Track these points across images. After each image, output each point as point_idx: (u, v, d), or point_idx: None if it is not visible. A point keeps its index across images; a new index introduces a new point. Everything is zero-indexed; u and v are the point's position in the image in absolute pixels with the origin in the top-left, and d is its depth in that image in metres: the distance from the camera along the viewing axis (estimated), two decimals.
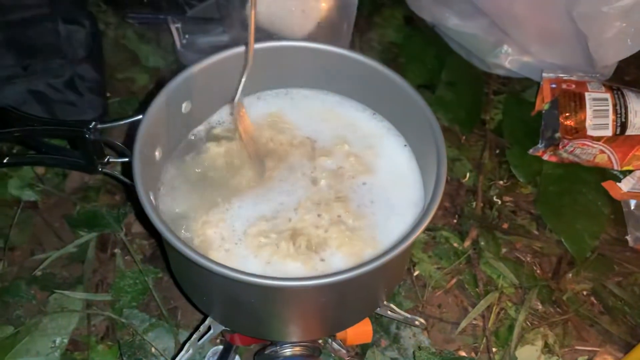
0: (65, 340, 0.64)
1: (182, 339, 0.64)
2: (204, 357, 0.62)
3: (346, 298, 0.47)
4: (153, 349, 0.63)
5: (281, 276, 0.45)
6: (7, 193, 0.75)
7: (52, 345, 0.63)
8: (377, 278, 0.48)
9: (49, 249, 0.71)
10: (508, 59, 0.87)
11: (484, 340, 0.66)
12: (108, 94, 0.85)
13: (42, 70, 0.77)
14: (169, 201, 0.52)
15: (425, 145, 0.52)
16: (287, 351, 0.57)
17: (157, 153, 0.52)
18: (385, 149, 0.55)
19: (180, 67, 0.53)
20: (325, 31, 0.80)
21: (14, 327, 0.64)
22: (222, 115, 0.58)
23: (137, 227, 0.73)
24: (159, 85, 0.52)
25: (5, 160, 0.51)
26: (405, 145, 0.55)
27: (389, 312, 0.58)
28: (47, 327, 0.64)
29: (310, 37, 0.77)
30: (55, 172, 0.78)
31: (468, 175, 0.81)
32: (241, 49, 0.54)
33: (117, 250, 0.71)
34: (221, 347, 0.62)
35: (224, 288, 0.45)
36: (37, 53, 0.78)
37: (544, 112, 0.83)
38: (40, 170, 0.77)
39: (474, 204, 0.78)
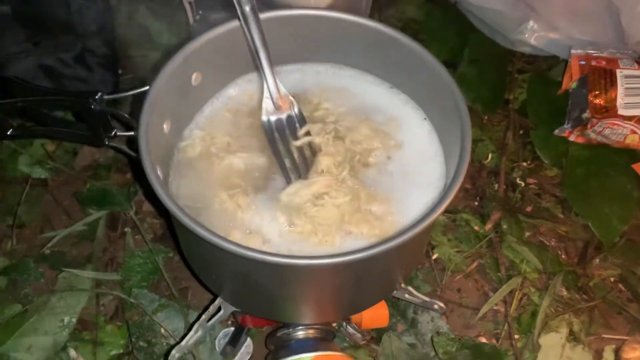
0: (74, 320, 0.62)
1: (192, 319, 0.62)
2: (215, 338, 0.61)
3: (363, 279, 0.45)
4: (162, 330, 0.61)
5: (296, 254, 0.43)
6: (16, 170, 0.74)
7: (61, 324, 0.62)
8: (396, 258, 0.45)
9: (58, 227, 0.70)
10: (534, 36, 0.83)
11: (506, 327, 0.63)
12: (120, 71, 0.83)
13: (53, 45, 0.75)
14: (180, 178, 0.49)
15: (447, 120, 0.49)
16: (300, 334, 0.55)
17: (165, 126, 0.49)
18: (405, 123, 0.52)
19: None
20: (343, 6, 0.77)
21: (22, 305, 0.63)
22: (235, 89, 0.56)
23: (147, 206, 0.72)
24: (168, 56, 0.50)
25: (9, 132, 0.49)
26: (424, 119, 0.52)
27: (406, 296, 0.56)
28: (56, 306, 0.63)
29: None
30: (65, 149, 0.76)
31: (490, 156, 0.77)
32: None
33: (127, 229, 0.69)
34: (232, 329, 0.60)
35: (235, 267, 0.43)
36: (48, 28, 0.76)
37: (571, 90, 0.79)
38: (50, 147, 0.76)
39: (496, 186, 0.75)
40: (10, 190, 0.73)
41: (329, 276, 0.42)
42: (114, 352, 0.61)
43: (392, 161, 0.51)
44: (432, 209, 0.40)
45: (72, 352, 0.61)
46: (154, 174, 0.42)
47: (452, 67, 0.86)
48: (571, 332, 0.63)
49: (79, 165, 0.75)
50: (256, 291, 0.46)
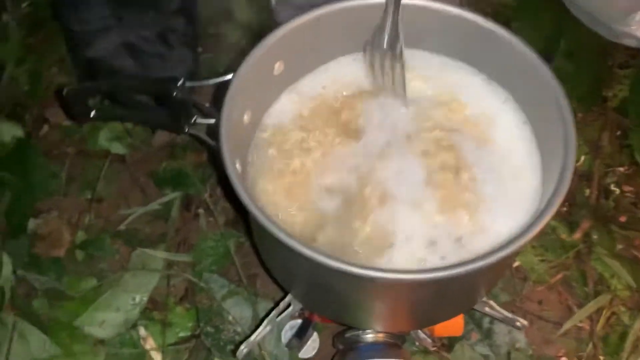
0: (145, 298, 0.63)
1: (260, 308, 0.61)
2: (281, 330, 0.60)
3: (445, 293, 0.42)
4: (230, 317, 0.61)
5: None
6: (97, 144, 0.75)
7: (133, 302, 0.63)
8: (484, 274, 0.42)
9: (133, 204, 0.71)
10: None
11: (590, 346, 0.59)
12: (200, 49, 0.83)
13: (136, 21, 0.75)
14: (257, 172, 0.48)
15: (547, 125, 0.44)
16: (370, 337, 0.53)
17: (245, 117, 0.48)
18: (502, 122, 0.48)
19: (274, 24, 0.48)
20: None
21: (97, 280, 0.65)
22: (317, 78, 0.53)
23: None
24: (251, 43, 0.48)
25: (92, 114, 0.49)
26: (525, 123, 0.48)
27: (486, 309, 0.53)
28: (129, 283, 0.64)
29: None
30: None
31: (583, 158, 0.72)
32: (341, 5, 0.49)
33: (200, 211, 0.69)
34: (299, 321, 0.59)
35: (311, 272, 0.41)
36: (131, 4, 0.76)
37: None
38: (129, 124, 0.77)
39: (588, 191, 0.69)
40: (91, 163, 0.74)
41: (410, 290, 0.40)
42: (182, 334, 0.62)
43: (483, 157, 0.47)
44: (533, 223, 0.37)
45: (142, 331, 0.62)
46: (233, 167, 0.41)
47: (546, 59, 0.80)
48: None
49: (157, 143, 0.75)
50: (329, 297, 0.44)
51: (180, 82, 0.47)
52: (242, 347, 0.51)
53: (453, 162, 0.46)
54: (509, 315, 0.53)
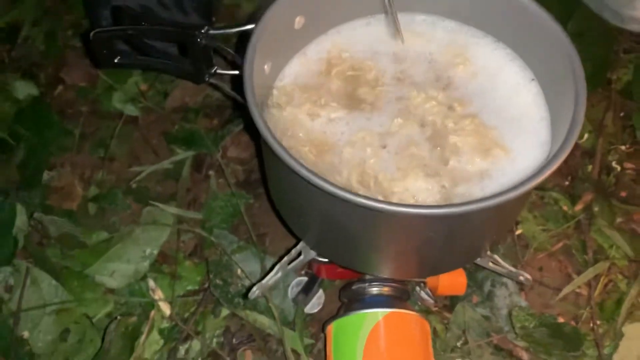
0: (155, 252, 0.64)
1: (268, 264, 0.63)
2: (288, 285, 0.61)
3: (454, 236, 0.43)
4: (239, 271, 0.62)
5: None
6: (111, 105, 0.77)
7: (143, 255, 0.64)
8: (494, 217, 0.44)
9: (145, 164, 0.72)
10: None
11: (587, 311, 0.60)
12: (213, 19, 0.84)
13: None
14: (274, 116, 0.49)
15: (557, 83, 0.46)
16: (375, 289, 0.55)
17: (266, 67, 0.49)
18: (509, 80, 0.50)
19: None
20: None
21: (109, 232, 0.66)
22: (337, 37, 0.55)
23: (232, 152, 0.73)
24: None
25: (116, 60, 0.51)
26: (532, 80, 0.50)
27: (490, 264, 0.54)
28: (139, 237, 0.65)
29: None
30: (157, 90, 0.78)
31: (586, 136, 0.74)
32: None
33: (211, 172, 0.71)
34: (306, 278, 0.61)
35: (327, 209, 0.42)
36: None
37: None
38: (143, 86, 0.78)
39: (590, 167, 0.71)
40: (104, 123, 0.75)
41: (422, 228, 0.41)
42: (190, 288, 0.63)
43: (493, 114, 0.49)
44: (544, 167, 0.39)
45: (151, 283, 0.63)
46: (256, 108, 0.42)
47: None
48: None
49: (169, 106, 0.77)
50: (342, 237, 0.46)
51: (205, 29, 0.48)
52: (254, 289, 0.53)
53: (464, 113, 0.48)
54: (513, 269, 0.55)
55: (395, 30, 0.52)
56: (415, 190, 0.44)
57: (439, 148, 0.46)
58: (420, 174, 0.45)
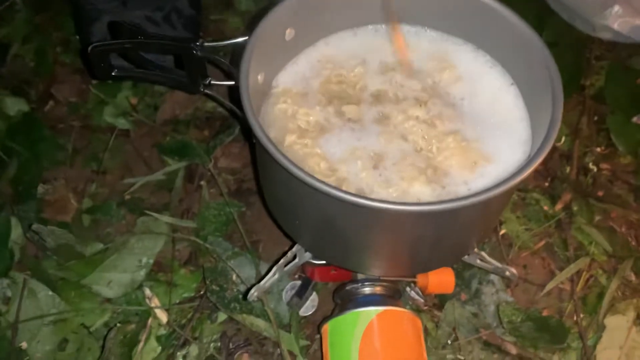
0: (151, 261, 0.65)
1: (262, 270, 0.64)
2: (282, 290, 0.63)
3: (443, 233, 0.46)
4: (234, 276, 0.64)
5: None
6: (102, 120, 0.78)
7: (138, 264, 0.65)
8: (480, 214, 0.46)
9: (138, 176, 0.73)
10: (618, 21, 0.82)
11: (571, 304, 0.63)
12: (200, 34, 0.86)
13: (142, 2, 0.78)
14: (268, 126, 0.51)
15: (535, 86, 0.49)
16: (367, 289, 0.57)
17: (259, 77, 0.51)
18: (489, 85, 0.53)
19: None
20: None
21: (104, 243, 0.67)
22: (325, 48, 0.57)
23: (223, 162, 0.74)
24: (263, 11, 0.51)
25: (113, 73, 0.52)
26: (512, 84, 0.53)
27: (478, 261, 0.57)
28: (135, 247, 0.66)
29: None
30: (147, 103, 0.80)
31: (563, 139, 0.77)
32: None
33: (203, 182, 0.72)
34: (299, 282, 0.63)
35: (321, 209, 0.45)
36: None
37: None
38: (133, 100, 0.80)
39: (568, 168, 0.74)
40: (96, 138, 0.77)
41: (412, 225, 0.44)
42: (186, 295, 0.64)
43: (476, 117, 0.52)
44: (527, 163, 0.41)
45: (148, 291, 0.64)
46: (253, 114, 0.44)
47: None
48: (638, 317, 0.62)
49: (160, 119, 0.78)
50: (335, 237, 0.48)
51: (200, 42, 0.50)
52: (252, 290, 0.54)
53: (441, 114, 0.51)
54: (500, 265, 0.57)
55: (399, 51, 0.54)
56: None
57: (429, 170, 0.48)
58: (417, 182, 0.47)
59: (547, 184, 0.73)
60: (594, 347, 0.60)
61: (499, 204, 0.49)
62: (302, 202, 0.46)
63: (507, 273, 0.57)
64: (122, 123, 0.78)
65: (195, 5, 0.82)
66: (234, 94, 0.47)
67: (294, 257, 0.55)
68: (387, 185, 0.47)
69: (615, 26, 0.82)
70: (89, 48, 0.50)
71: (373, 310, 0.54)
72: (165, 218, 0.68)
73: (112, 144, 0.76)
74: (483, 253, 0.56)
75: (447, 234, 0.47)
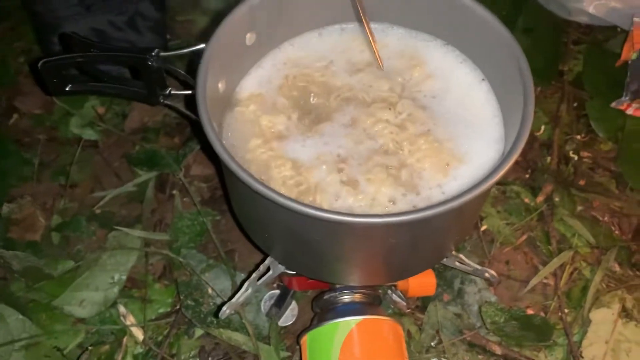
0: (124, 277, 0.64)
1: (238, 281, 0.63)
2: (261, 300, 0.61)
3: (417, 241, 0.44)
4: (210, 290, 0.62)
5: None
6: (68, 131, 0.76)
7: (111, 281, 0.63)
8: (454, 219, 0.45)
9: (108, 188, 0.71)
10: (593, 4, 0.80)
11: (555, 300, 0.62)
12: (168, 36, 0.83)
13: (105, 7, 0.75)
14: (231, 137, 0.49)
15: (507, 82, 0.47)
16: (347, 297, 0.55)
17: (220, 85, 0.49)
18: (461, 82, 0.51)
19: None
20: None
21: (75, 261, 0.65)
22: (290, 50, 0.55)
23: (195, 170, 0.72)
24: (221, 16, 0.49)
25: (67, 88, 0.50)
26: (483, 80, 0.51)
27: (457, 264, 0.55)
28: (107, 263, 0.64)
29: None
30: (115, 112, 0.77)
31: (543, 128, 0.75)
32: None
33: (175, 192, 0.70)
34: (278, 291, 0.61)
35: (288, 224, 0.43)
36: None
37: (630, 62, 0.76)
38: (100, 109, 0.77)
39: (549, 159, 0.73)
40: (63, 150, 0.74)
41: (384, 236, 0.42)
42: (161, 310, 0.62)
43: (448, 116, 0.50)
44: (499, 165, 0.39)
45: (122, 309, 0.62)
46: (211, 127, 0.42)
47: None
48: (624, 309, 0.61)
49: (129, 128, 0.76)
50: (307, 250, 0.46)
51: (155, 52, 0.48)
52: (224, 308, 0.52)
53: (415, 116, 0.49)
54: (479, 267, 0.56)
55: (375, 57, 0.52)
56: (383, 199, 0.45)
57: (403, 170, 0.47)
58: (386, 185, 0.45)
59: (527, 176, 0.71)
60: (580, 342, 0.59)
61: (474, 206, 0.47)
62: (268, 215, 0.44)
63: (487, 275, 0.56)
64: (89, 134, 0.75)
65: (160, 7, 0.79)
66: (192, 104, 0.44)
67: (268, 270, 0.53)
68: (356, 192, 0.45)
69: (591, 9, 0.80)
70: (39, 63, 0.48)
71: (352, 320, 0.52)
72: (137, 232, 0.66)
73: (80, 156, 0.73)
74: (461, 255, 0.55)
75: (423, 241, 0.45)
